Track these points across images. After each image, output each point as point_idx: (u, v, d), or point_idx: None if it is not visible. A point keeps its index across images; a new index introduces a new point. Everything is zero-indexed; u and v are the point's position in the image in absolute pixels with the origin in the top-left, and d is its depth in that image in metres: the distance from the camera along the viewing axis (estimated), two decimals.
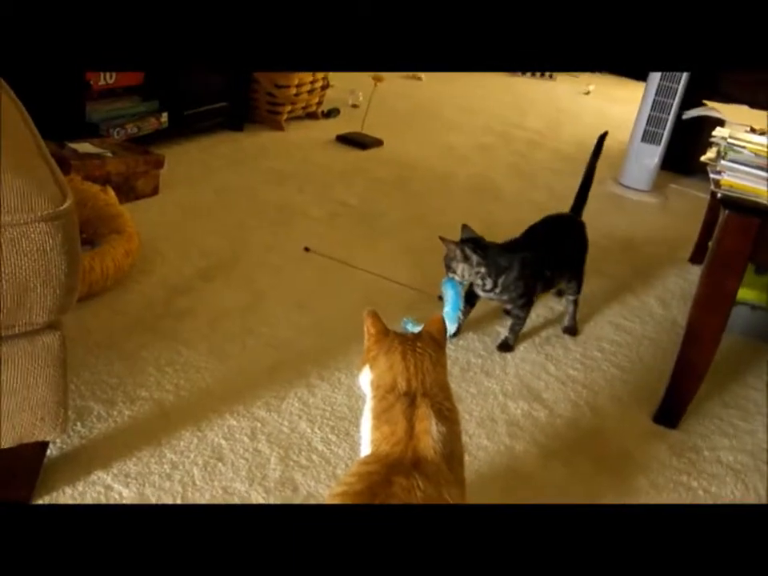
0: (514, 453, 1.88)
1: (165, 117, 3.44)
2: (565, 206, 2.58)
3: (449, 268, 2.24)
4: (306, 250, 2.73)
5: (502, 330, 2.39)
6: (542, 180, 3.97)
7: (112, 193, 2.60)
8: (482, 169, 4.03)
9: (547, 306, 2.60)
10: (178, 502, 1.56)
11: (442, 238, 2.20)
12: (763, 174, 1.94)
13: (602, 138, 2.53)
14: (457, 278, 2.23)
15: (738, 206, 1.88)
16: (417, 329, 2.28)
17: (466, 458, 1.82)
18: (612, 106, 6.10)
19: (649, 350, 2.45)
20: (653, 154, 3.86)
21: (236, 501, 1.58)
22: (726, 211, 1.89)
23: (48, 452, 1.57)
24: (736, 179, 1.92)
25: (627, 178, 3.97)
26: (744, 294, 2.67)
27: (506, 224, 3.26)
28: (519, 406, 2.06)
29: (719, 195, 1.91)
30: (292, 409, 1.90)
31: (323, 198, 3.29)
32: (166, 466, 1.66)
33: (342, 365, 2.10)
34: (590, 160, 2.53)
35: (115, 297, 2.25)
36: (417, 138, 4.40)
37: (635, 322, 2.63)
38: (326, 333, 2.25)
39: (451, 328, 2.27)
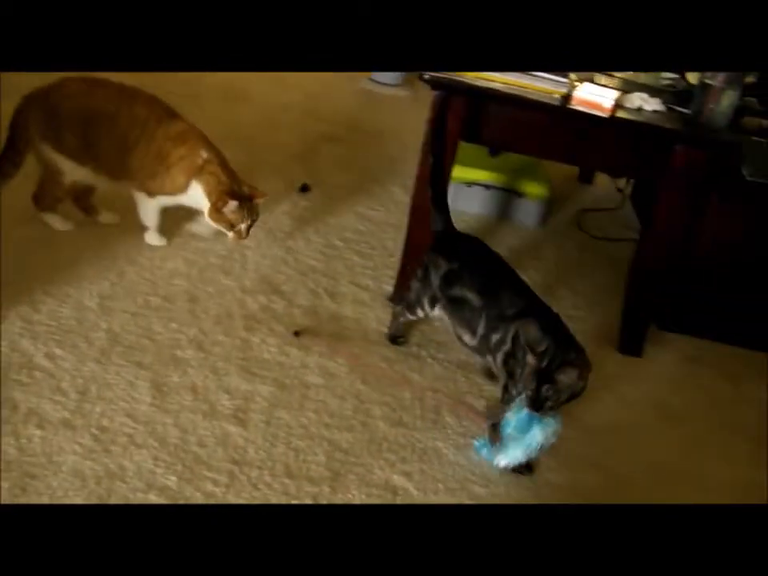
0: (249, 344, 1.91)
1: None
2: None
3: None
4: None
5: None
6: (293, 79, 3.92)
7: None
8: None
9: (291, 202, 2.61)
10: None
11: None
12: None
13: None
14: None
15: (444, 86, 1.96)
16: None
17: (201, 355, 1.84)
18: None
19: (391, 236, 2.54)
20: None
21: None
22: (434, 92, 1.97)
23: None
24: None
25: (378, 74, 4.00)
26: (478, 175, 2.83)
27: (254, 126, 3.23)
28: (257, 300, 2.09)
29: (426, 77, 1.98)
30: (13, 328, 1.81)
31: None
32: None
33: (72, 278, 2.02)
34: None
35: None
36: None
37: (380, 210, 2.71)
38: (54, 245, 2.15)
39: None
